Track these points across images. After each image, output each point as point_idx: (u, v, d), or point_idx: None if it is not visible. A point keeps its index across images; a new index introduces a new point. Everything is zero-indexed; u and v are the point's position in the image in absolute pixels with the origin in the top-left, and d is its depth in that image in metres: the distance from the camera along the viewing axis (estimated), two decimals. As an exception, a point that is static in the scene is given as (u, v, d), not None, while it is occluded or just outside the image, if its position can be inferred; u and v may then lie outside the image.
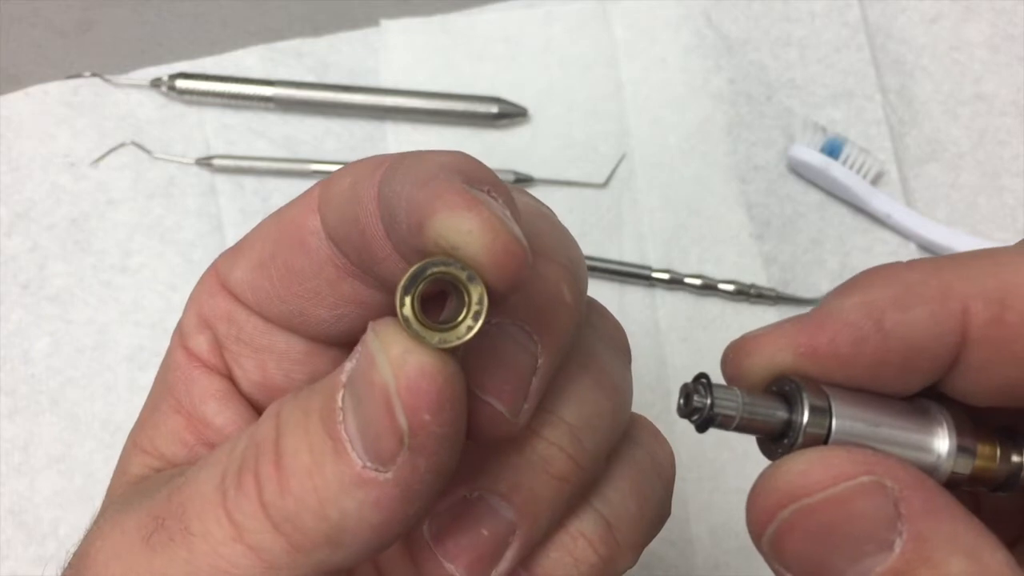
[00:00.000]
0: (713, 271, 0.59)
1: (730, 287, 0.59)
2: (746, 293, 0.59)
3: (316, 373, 0.31)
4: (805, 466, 0.24)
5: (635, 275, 0.59)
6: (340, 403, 0.24)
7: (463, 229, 0.22)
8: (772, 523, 0.24)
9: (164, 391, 0.31)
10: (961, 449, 0.26)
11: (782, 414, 0.26)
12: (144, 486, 0.29)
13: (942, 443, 0.26)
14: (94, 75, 0.61)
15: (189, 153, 0.60)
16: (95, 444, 0.55)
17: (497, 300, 0.23)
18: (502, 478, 0.26)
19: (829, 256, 0.61)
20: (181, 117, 0.61)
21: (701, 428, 0.26)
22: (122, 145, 0.60)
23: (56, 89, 0.61)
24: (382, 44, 0.63)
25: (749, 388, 0.26)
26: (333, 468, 0.23)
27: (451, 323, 0.23)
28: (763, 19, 0.64)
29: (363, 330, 0.30)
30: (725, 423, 0.25)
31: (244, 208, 0.59)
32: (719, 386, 0.26)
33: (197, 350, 0.31)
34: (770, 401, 0.26)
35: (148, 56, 0.62)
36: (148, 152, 0.60)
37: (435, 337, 0.23)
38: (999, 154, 0.63)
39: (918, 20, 0.65)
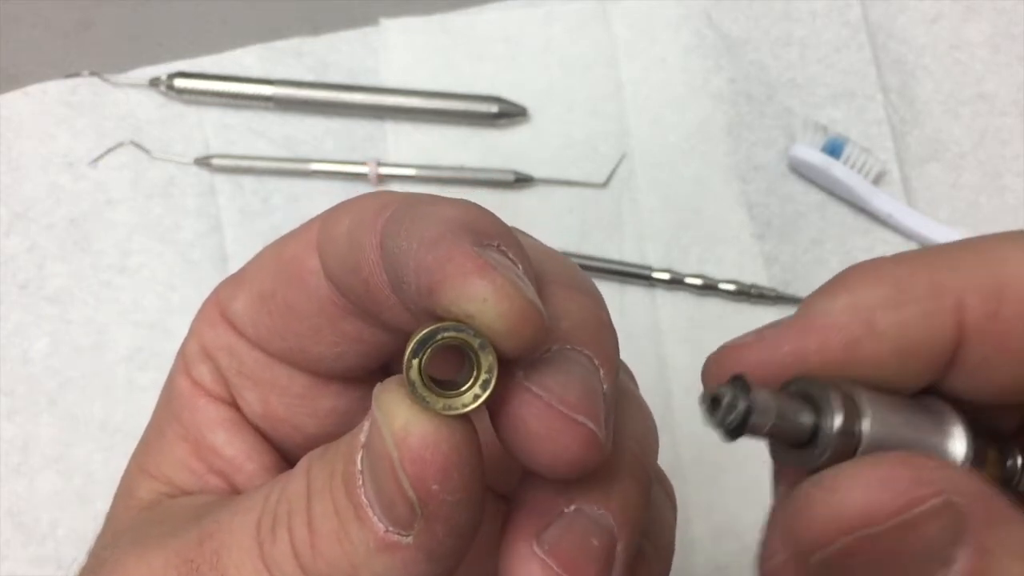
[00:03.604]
0: (714, 271, 0.59)
1: (731, 287, 0.58)
2: (747, 293, 0.58)
3: (318, 408, 0.30)
4: (869, 491, 0.22)
5: (635, 275, 0.59)
6: (359, 466, 0.23)
7: (477, 297, 0.21)
8: (829, 546, 0.22)
9: (169, 416, 0.31)
10: (976, 453, 0.24)
11: (807, 418, 0.24)
12: (158, 514, 0.29)
13: (959, 446, 0.24)
14: (93, 74, 0.61)
15: (188, 153, 0.60)
16: (94, 445, 0.55)
17: (510, 362, 0.22)
18: (592, 487, 0.25)
19: (830, 256, 0.60)
20: (180, 117, 0.61)
21: (735, 433, 0.23)
22: (121, 145, 0.60)
23: (55, 88, 0.61)
24: (382, 43, 0.63)
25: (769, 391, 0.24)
26: (358, 533, 0.23)
27: (459, 388, 0.22)
28: (763, 19, 0.64)
29: (364, 367, 0.29)
30: (758, 428, 0.23)
31: (243, 208, 0.59)
32: (755, 386, 0.23)
33: (201, 380, 0.31)
34: (795, 404, 0.24)
35: (147, 55, 0.62)
36: (147, 152, 0.60)
37: (440, 403, 0.22)
38: (1000, 154, 0.62)
39: (919, 20, 0.64)
